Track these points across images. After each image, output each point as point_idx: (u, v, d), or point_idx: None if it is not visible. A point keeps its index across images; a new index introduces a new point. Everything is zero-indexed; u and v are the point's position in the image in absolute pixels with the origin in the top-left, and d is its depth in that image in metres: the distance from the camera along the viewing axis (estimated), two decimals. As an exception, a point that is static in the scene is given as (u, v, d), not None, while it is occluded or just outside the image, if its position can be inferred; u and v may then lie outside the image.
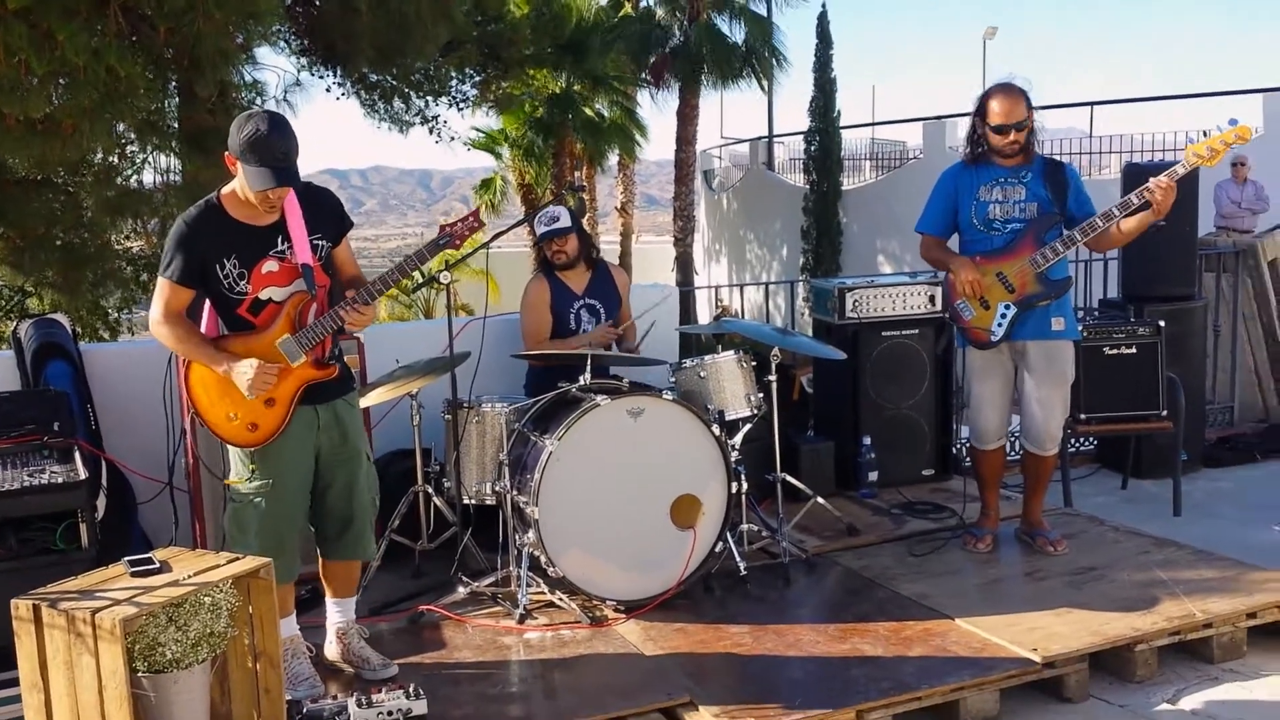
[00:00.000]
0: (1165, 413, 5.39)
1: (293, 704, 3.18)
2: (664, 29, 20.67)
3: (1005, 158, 4.31)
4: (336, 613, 3.68)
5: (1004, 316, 4.32)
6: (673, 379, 4.55)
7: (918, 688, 3.36)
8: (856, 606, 4.04)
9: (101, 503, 3.88)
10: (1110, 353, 5.41)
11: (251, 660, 3.03)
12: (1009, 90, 4.27)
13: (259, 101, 9.90)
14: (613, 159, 22.40)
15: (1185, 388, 5.60)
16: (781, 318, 13.80)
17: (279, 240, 3.32)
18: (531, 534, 3.92)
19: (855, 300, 5.43)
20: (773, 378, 4.54)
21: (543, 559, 3.94)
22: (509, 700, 3.41)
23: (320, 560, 3.65)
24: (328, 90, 12.24)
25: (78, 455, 3.86)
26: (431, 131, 14.25)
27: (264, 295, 3.32)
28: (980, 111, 4.31)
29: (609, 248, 21.69)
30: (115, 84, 7.54)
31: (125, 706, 2.60)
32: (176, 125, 9.37)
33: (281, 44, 11.16)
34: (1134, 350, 5.42)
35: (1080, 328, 5.03)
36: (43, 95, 7.39)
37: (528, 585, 4.00)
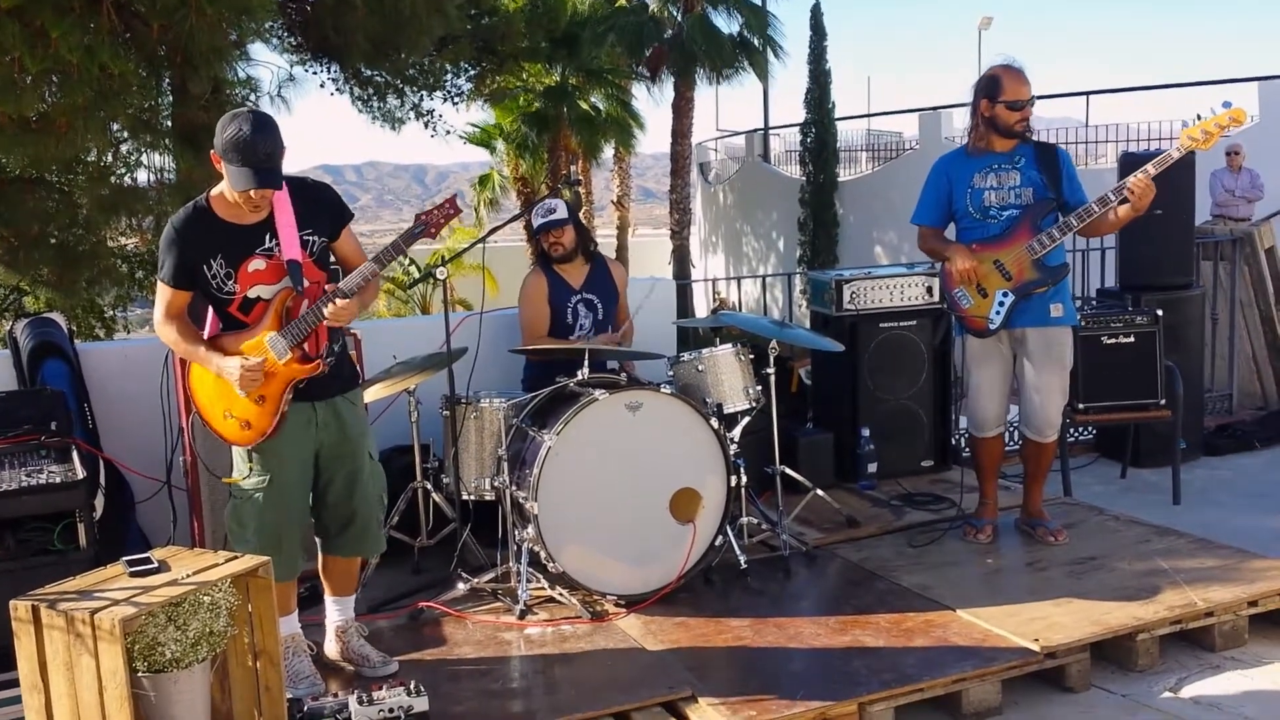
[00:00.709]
0: (1164, 401, 5.39)
1: (293, 702, 3.17)
2: (658, 21, 20.61)
3: (1010, 137, 4.29)
4: (336, 611, 3.67)
5: (1002, 304, 4.31)
6: (671, 373, 4.54)
7: (920, 679, 3.36)
8: (857, 598, 4.04)
9: (99, 502, 3.87)
10: (1108, 342, 5.42)
11: (251, 659, 3.02)
12: (1016, 68, 4.28)
13: (253, 98, 9.88)
14: (608, 152, 22.34)
15: (1183, 376, 5.60)
16: (779, 310, 13.78)
17: (266, 238, 3.31)
18: (531, 529, 3.92)
19: (853, 292, 5.42)
20: (771, 370, 4.53)
21: (542, 554, 3.93)
22: (510, 696, 3.41)
23: (320, 557, 3.64)
24: (321, 86, 12.22)
25: (75, 455, 3.85)
26: (426, 126, 14.24)
27: (252, 294, 3.32)
28: (990, 91, 4.28)
29: (605, 241, 21.71)
30: (109, 82, 7.52)
31: (126, 706, 2.59)
32: (170, 123, 9.34)
33: (275, 40, 11.14)
34: (1132, 339, 5.42)
35: (1078, 316, 5.03)
36: (36, 93, 7.38)
37: (528, 580, 4.00)
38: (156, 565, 2.91)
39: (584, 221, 5.14)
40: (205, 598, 2.82)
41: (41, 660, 2.72)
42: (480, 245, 4.77)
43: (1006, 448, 4.99)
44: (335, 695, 3.22)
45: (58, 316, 5.05)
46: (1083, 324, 5.30)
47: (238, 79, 9.58)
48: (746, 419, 4.50)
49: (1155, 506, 5.30)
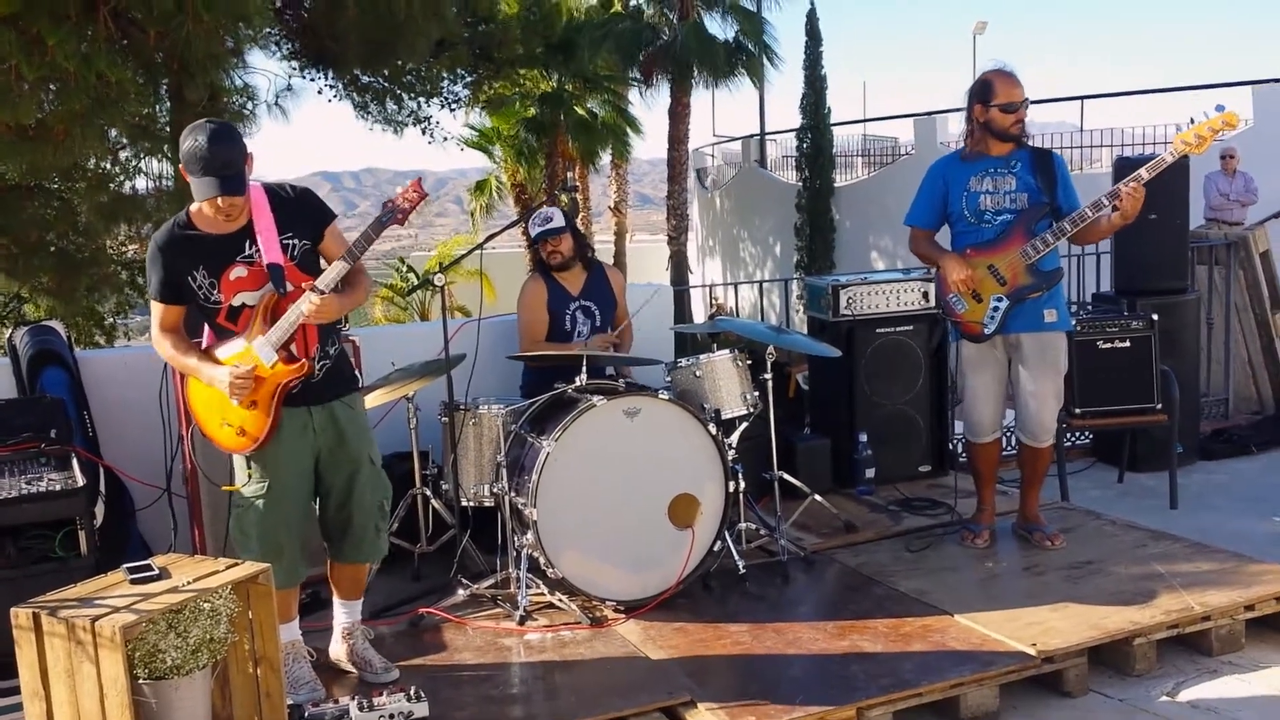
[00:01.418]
0: (1160, 406, 5.41)
1: (294, 708, 3.18)
2: (654, 28, 20.65)
3: (1005, 141, 4.32)
4: (344, 614, 3.69)
5: (996, 309, 4.33)
6: (668, 378, 4.55)
7: (918, 684, 3.37)
8: (855, 604, 4.05)
9: (100, 510, 3.88)
10: (1104, 346, 5.44)
11: (252, 665, 3.03)
12: (1008, 72, 4.31)
13: (250, 105, 9.89)
14: (605, 158, 22.37)
15: (1179, 380, 5.62)
16: (776, 315, 13.80)
17: (246, 245, 3.32)
18: (530, 535, 3.93)
19: (849, 297, 5.43)
20: (768, 376, 4.55)
21: (541, 560, 3.94)
22: (510, 702, 3.41)
23: (328, 563, 3.65)
24: (319, 93, 12.26)
25: (75, 462, 3.86)
26: (424, 132, 14.27)
27: (237, 301, 3.34)
28: (983, 95, 4.31)
29: (603, 247, 21.71)
30: (106, 89, 7.54)
31: (127, 713, 2.61)
32: (168, 130, 9.36)
33: (272, 47, 11.16)
34: (1128, 344, 5.44)
35: (1073, 320, 5.05)
36: (33, 101, 7.40)
37: (527, 587, 4.01)
38: (157, 572, 2.93)
39: (581, 228, 5.16)
40: (206, 604, 2.83)
41: (43, 668, 2.73)
42: (478, 251, 4.79)
43: (1003, 453, 5.00)
44: (336, 701, 3.23)
45: (57, 324, 5.06)
46: (1078, 328, 5.32)
47: (235, 86, 9.60)
48: (744, 424, 4.51)
49: (1152, 511, 5.31)
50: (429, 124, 14.11)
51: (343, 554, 3.58)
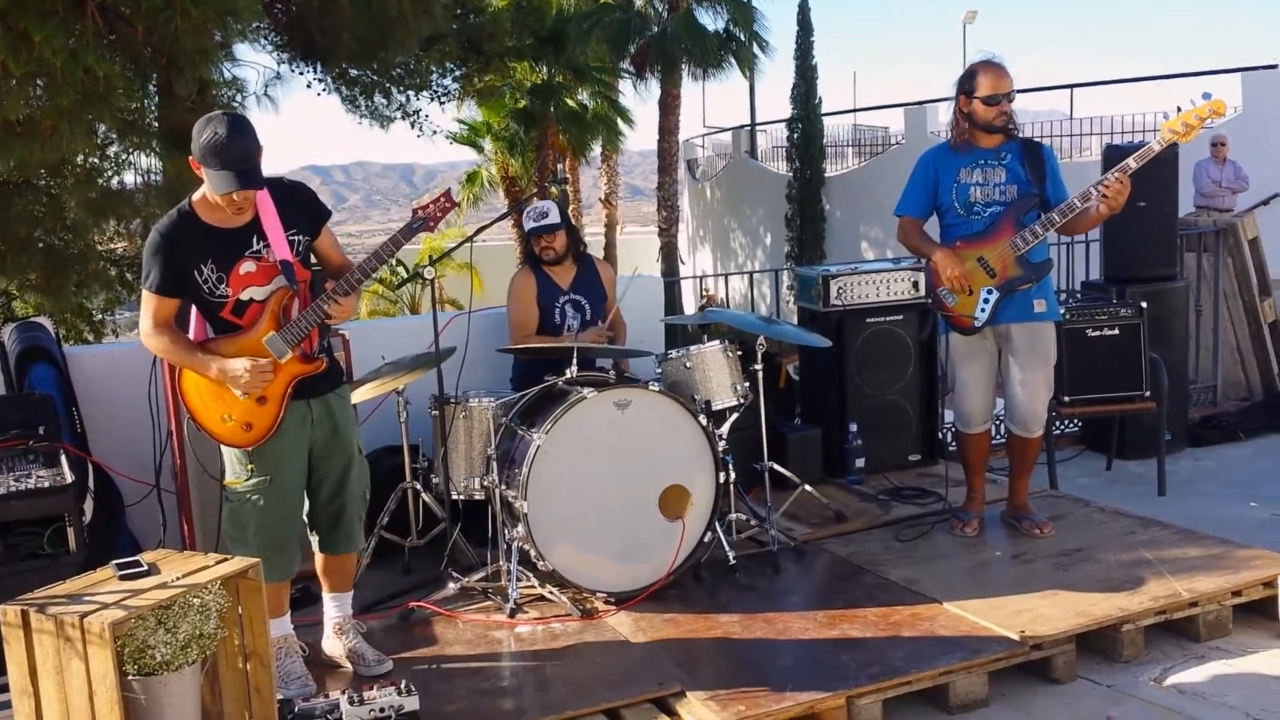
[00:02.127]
0: (1149, 393, 5.43)
1: (284, 703, 3.18)
2: (644, 18, 20.61)
3: (991, 133, 4.32)
4: (334, 607, 3.69)
5: (986, 301, 4.34)
6: (659, 370, 4.56)
7: (907, 672, 3.39)
8: (845, 593, 4.07)
9: (89, 506, 3.88)
10: (1093, 334, 5.45)
11: (242, 660, 3.03)
12: (995, 64, 4.32)
13: (239, 99, 9.87)
14: (596, 150, 22.35)
15: (1168, 367, 5.64)
16: (767, 306, 13.81)
17: (254, 240, 3.32)
18: (520, 528, 3.93)
19: (839, 287, 5.44)
20: (759, 367, 4.55)
21: (532, 553, 3.95)
22: (501, 694, 3.42)
23: (316, 556, 3.65)
24: (308, 86, 12.22)
25: (64, 459, 3.86)
26: (413, 126, 14.23)
27: (245, 296, 3.33)
28: (967, 87, 4.32)
29: (594, 239, 21.69)
30: (94, 84, 7.50)
31: (116, 710, 2.60)
32: (156, 125, 9.33)
33: (261, 40, 11.12)
34: (1117, 331, 5.46)
35: (1062, 310, 5.07)
36: (21, 97, 7.36)
37: (518, 579, 4.01)
38: (146, 568, 2.92)
39: (573, 220, 5.15)
40: (195, 600, 2.83)
41: (31, 665, 2.72)
42: (468, 244, 4.78)
43: (993, 442, 5.02)
44: (326, 695, 3.23)
45: (45, 321, 5.05)
46: (1067, 317, 5.34)
47: (223, 80, 9.58)
48: (735, 415, 4.52)
49: (1140, 498, 5.34)
50: (418, 117, 14.09)
51: (334, 544, 3.59)
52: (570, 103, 20.74)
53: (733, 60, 20.16)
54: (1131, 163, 4.08)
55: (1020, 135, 4.42)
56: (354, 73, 12.02)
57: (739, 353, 4.58)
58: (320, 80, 12.13)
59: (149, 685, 2.75)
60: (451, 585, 4.17)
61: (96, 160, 10.30)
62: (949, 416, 5.28)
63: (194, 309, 3.41)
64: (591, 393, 3.98)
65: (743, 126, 23.51)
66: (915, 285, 5.50)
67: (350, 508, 3.56)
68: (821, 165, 20.13)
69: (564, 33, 18.90)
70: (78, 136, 8.02)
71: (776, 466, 4.74)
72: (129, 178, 10.60)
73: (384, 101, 12.99)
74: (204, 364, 3.28)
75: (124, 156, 10.44)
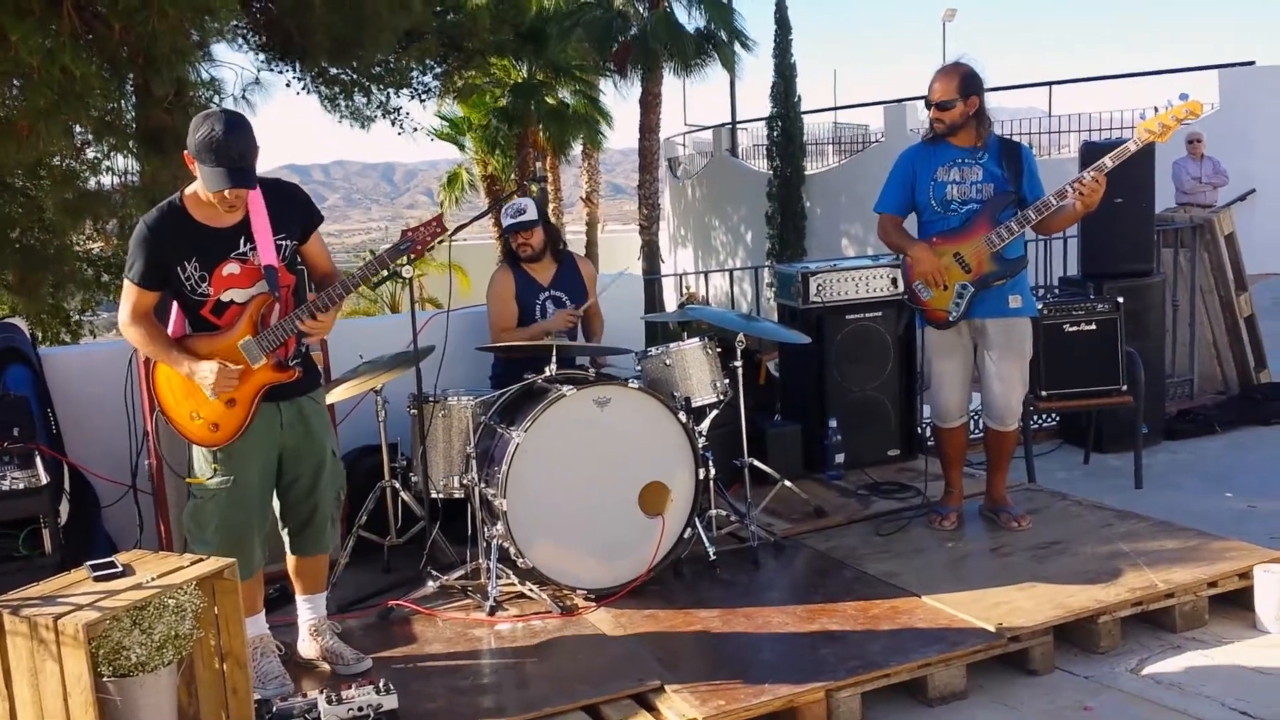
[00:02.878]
0: (1125, 387, 5.46)
1: (262, 703, 3.17)
2: (624, 16, 20.60)
3: (948, 136, 4.36)
4: (308, 609, 3.67)
5: (961, 296, 4.36)
6: (639, 367, 4.56)
7: (886, 665, 3.40)
8: (825, 587, 4.08)
9: (64, 508, 3.86)
10: (1070, 330, 5.48)
11: (218, 661, 3.02)
12: (945, 70, 4.38)
13: (217, 99, 9.81)
14: (577, 148, 22.33)
15: (1145, 362, 5.68)
16: (747, 303, 13.84)
17: (241, 241, 3.30)
18: (500, 526, 3.93)
19: (819, 284, 5.45)
20: (738, 363, 4.56)
21: (512, 550, 3.94)
22: (481, 692, 3.41)
23: (288, 558, 3.64)
24: (287, 86, 12.15)
25: (39, 460, 3.83)
26: (394, 124, 14.18)
27: (226, 297, 3.31)
28: (928, 93, 4.39)
29: (575, 237, 21.67)
30: (70, 84, 7.45)
31: (91, 712, 2.59)
32: (134, 125, 9.27)
33: (239, 40, 11.07)
34: (1094, 326, 5.49)
35: (1040, 305, 5.10)
36: (-3, 96, 7.31)
37: (497, 577, 4.01)
38: (121, 569, 2.90)
39: (553, 219, 5.15)
40: (170, 601, 2.81)
41: (5, 667, 2.71)
42: (448, 242, 4.76)
43: (970, 436, 5.04)
44: (304, 695, 3.22)
45: (20, 321, 5.01)
46: (1044, 312, 5.36)
47: (201, 80, 9.52)
48: (714, 412, 4.52)
49: (1118, 491, 5.37)
50: (398, 115, 14.04)
51: (305, 546, 3.58)
52: (551, 101, 20.71)
53: (713, 56, 20.17)
54: (1108, 162, 4.11)
55: (996, 135, 4.45)
56: (333, 71, 11.97)
57: (719, 350, 4.59)
58: (299, 79, 12.07)
59: (124, 686, 2.73)
60: (431, 583, 4.16)
61: (73, 161, 10.22)
62: (928, 412, 5.30)
63: (175, 302, 3.39)
64: (571, 390, 3.98)
65: (723, 125, 23.53)
66: (894, 282, 5.52)
67: (322, 510, 3.55)
68: (802, 163, 20.16)
69: (545, 31, 18.85)
70: (54, 136, 7.96)
71: (756, 462, 4.75)
72: (106, 178, 10.54)
73: (364, 101, 12.94)
74: (176, 361, 3.28)
75: (100, 158, 10.38)
